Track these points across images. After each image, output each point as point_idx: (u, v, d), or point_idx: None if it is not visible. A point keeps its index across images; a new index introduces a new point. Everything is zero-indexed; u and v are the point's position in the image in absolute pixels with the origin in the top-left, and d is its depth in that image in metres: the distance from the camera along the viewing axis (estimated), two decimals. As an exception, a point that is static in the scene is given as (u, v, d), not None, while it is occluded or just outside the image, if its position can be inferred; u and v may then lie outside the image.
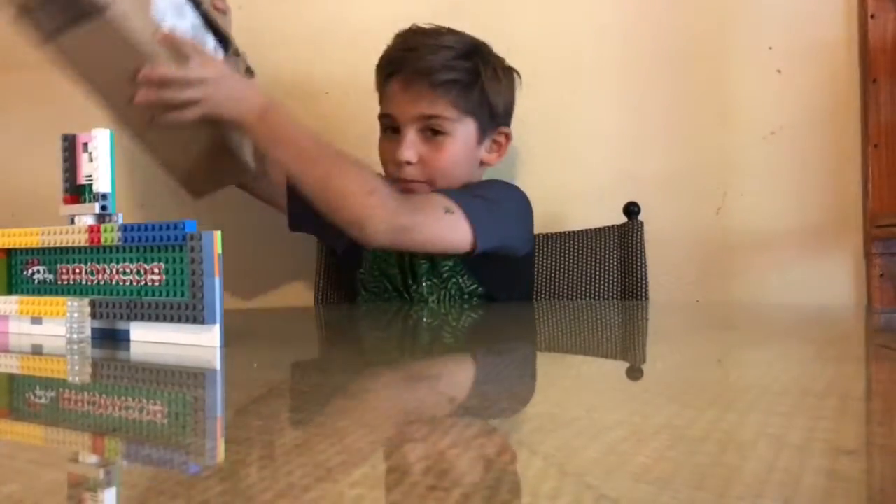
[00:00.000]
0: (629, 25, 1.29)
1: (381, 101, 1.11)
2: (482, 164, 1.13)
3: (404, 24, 1.28)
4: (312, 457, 0.27)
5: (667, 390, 0.42)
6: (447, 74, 1.05)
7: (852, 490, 0.24)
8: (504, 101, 1.12)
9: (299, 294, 1.31)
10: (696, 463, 0.26)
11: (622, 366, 0.47)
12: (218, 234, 0.58)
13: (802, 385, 0.43)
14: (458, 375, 0.45)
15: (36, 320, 0.67)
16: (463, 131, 1.07)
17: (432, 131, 1.06)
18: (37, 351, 0.60)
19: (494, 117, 1.11)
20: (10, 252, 0.71)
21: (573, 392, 0.42)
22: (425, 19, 1.22)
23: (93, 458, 0.29)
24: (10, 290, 0.71)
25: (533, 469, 0.26)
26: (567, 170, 1.28)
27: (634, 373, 0.46)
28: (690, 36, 1.28)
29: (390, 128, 1.08)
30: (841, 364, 0.48)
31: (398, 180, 1.05)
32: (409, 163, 1.04)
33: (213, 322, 0.57)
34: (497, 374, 0.45)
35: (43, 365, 0.55)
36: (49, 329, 0.66)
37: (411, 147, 1.05)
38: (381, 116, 1.10)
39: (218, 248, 0.58)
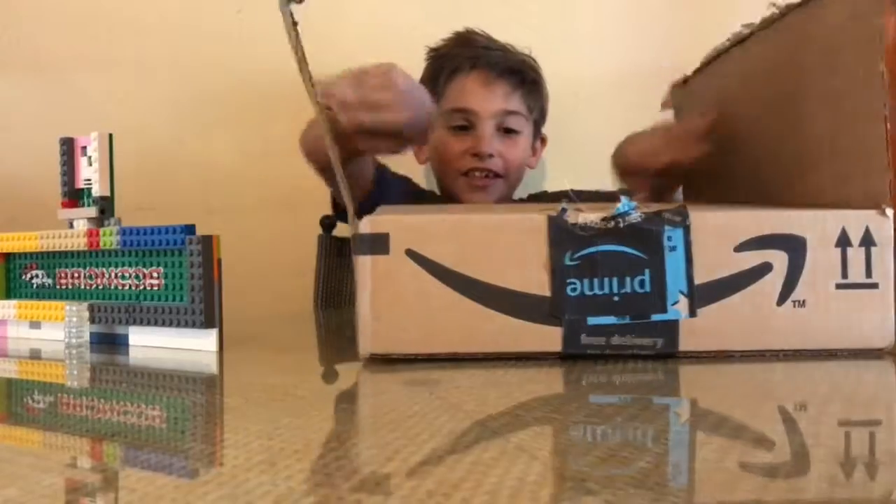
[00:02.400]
0: (629, 31, 1.29)
1: (450, 97, 1.10)
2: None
3: (403, 28, 1.29)
4: (312, 462, 0.27)
5: (666, 394, 0.42)
6: (527, 74, 1.10)
7: (855, 496, 0.24)
8: (546, 106, 1.17)
9: (298, 298, 1.30)
10: (696, 468, 0.26)
11: (623, 369, 0.47)
12: (217, 238, 0.58)
13: (805, 391, 0.43)
14: (458, 380, 0.44)
15: (34, 324, 0.67)
16: (527, 131, 1.12)
17: (504, 129, 1.09)
18: (35, 355, 0.60)
19: (542, 121, 1.16)
20: (8, 256, 0.71)
21: (574, 396, 0.42)
22: (425, 23, 1.22)
23: (91, 463, 0.29)
24: (9, 294, 0.71)
25: (533, 474, 0.25)
26: (568, 175, 1.28)
27: (634, 376, 0.46)
28: (691, 39, 1.27)
29: (458, 125, 1.09)
30: (844, 370, 0.48)
31: (472, 173, 1.07)
32: (491, 155, 1.06)
33: (212, 326, 0.57)
34: (496, 379, 0.45)
35: (41, 369, 0.55)
36: (48, 333, 0.66)
37: (493, 141, 1.07)
38: (452, 111, 1.09)
39: (217, 253, 0.58)
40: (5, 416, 0.39)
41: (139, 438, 0.32)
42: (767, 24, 0.66)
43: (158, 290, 0.61)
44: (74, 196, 0.66)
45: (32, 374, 0.53)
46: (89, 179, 0.65)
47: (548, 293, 0.50)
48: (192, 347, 0.58)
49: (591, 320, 0.50)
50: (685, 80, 0.91)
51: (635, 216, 0.50)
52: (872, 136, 0.50)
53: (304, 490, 0.24)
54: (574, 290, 0.50)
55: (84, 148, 0.66)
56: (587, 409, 0.37)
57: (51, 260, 0.68)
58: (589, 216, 0.50)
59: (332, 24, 1.31)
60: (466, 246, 0.50)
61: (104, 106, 1.34)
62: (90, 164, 0.65)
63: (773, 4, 0.64)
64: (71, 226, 0.66)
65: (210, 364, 0.54)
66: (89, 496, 0.25)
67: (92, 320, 0.63)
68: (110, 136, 0.65)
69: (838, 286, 0.50)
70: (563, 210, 0.50)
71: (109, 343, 0.63)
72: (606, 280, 0.50)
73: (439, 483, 0.25)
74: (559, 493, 0.24)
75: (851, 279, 0.50)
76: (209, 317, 0.57)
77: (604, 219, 0.50)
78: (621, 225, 0.50)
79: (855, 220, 0.50)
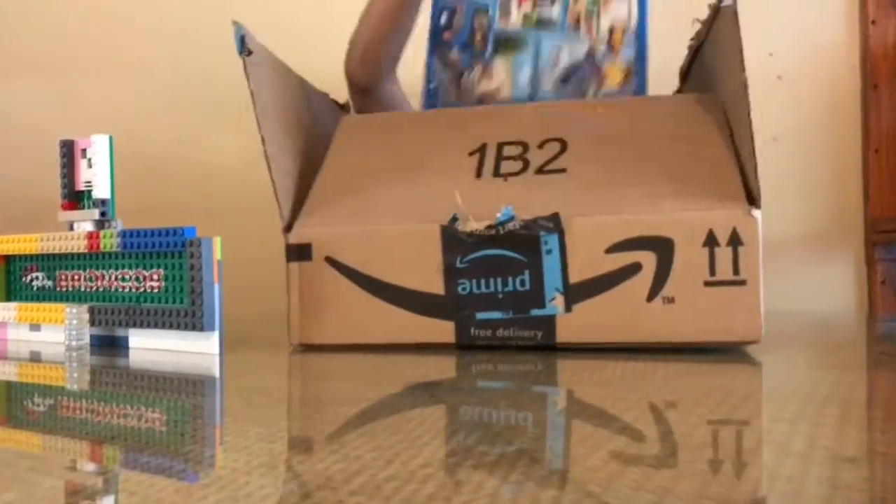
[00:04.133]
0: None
1: None
2: None
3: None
4: (312, 465, 0.27)
5: (668, 397, 0.42)
6: None
7: (854, 498, 0.24)
8: None
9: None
10: (697, 470, 0.26)
11: (624, 371, 0.47)
12: (218, 241, 0.58)
13: (804, 392, 0.43)
14: (458, 382, 0.44)
15: (34, 327, 0.67)
16: None
17: None
18: (35, 358, 0.60)
19: None
20: (8, 258, 0.71)
21: (574, 399, 0.42)
22: (423, 25, 1.22)
23: (91, 466, 0.29)
24: (9, 296, 0.71)
25: (534, 477, 0.25)
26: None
27: (635, 380, 0.45)
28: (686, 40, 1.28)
29: None
30: (842, 371, 0.48)
31: None
32: None
33: (213, 329, 0.57)
34: (497, 381, 0.45)
35: (41, 372, 0.54)
36: (48, 336, 0.66)
37: None
38: None
39: (217, 255, 0.58)
40: (5, 419, 0.39)
41: (139, 441, 0.32)
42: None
43: (159, 292, 0.61)
44: (75, 198, 0.66)
45: (32, 377, 0.53)
46: (89, 182, 0.65)
47: (442, 292, 0.57)
48: (192, 350, 0.58)
49: (480, 315, 0.57)
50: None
51: (514, 224, 0.56)
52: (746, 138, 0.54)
53: (304, 493, 0.24)
54: (464, 289, 0.57)
55: (84, 150, 0.66)
56: (587, 411, 0.37)
57: (51, 262, 0.68)
58: (475, 225, 0.57)
59: (333, 24, 1.31)
60: (374, 252, 0.59)
61: (104, 108, 1.34)
62: (90, 167, 0.65)
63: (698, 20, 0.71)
64: (71, 228, 0.66)
65: (210, 366, 0.54)
66: (89, 499, 0.25)
67: (92, 322, 0.63)
68: (110, 138, 0.65)
69: (707, 283, 0.53)
70: (455, 219, 0.57)
71: (109, 345, 0.63)
72: (492, 280, 0.57)
73: (440, 486, 0.25)
74: (560, 495, 0.24)
75: (719, 276, 0.53)
76: (209, 319, 0.57)
77: (488, 227, 0.56)
78: (502, 232, 0.56)
79: (722, 222, 0.53)
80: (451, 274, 0.57)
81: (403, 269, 0.58)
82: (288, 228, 0.61)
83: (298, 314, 0.60)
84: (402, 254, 0.58)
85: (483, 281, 0.57)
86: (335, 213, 0.63)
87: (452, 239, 0.57)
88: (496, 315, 0.56)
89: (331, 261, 0.59)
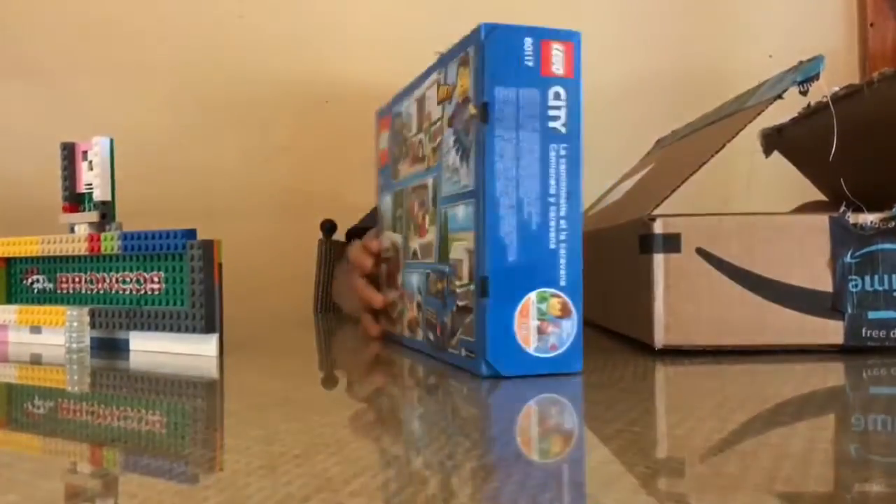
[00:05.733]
0: (628, 38, 1.30)
1: None
2: None
3: (403, 33, 1.29)
4: (312, 467, 0.27)
5: (667, 401, 0.42)
6: None
7: (852, 500, 0.24)
8: None
9: (299, 303, 1.31)
10: (696, 473, 0.26)
11: (623, 375, 0.47)
12: (218, 243, 0.58)
13: (803, 395, 0.43)
14: (459, 385, 0.44)
15: (35, 329, 0.67)
16: None
17: None
18: (36, 360, 0.60)
19: None
20: (9, 261, 0.71)
21: (572, 402, 0.42)
22: (425, 27, 1.22)
23: (91, 469, 0.29)
24: (10, 299, 0.71)
25: (532, 479, 0.25)
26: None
27: (635, 383, 0.46)
28: (690, 45, 1.28)
29: None
30: (841, 375, 0.48)
31: None
32: None
33: (213, 331, 0.57)
34: (496, 383, 0.45)
35: (42, 374, 0.55)
36: (48, 338, 0.66)
37: None
38: None
39: (218, 257, 0.58)
40: (5, 422, 0.39)
41: (139, 443, 0.32)
42: (860, 88, 0.70)
43: (159, 294, 0.61)
44: (75, 200, 0.67)
45: (33, 379, 0.53)
46: (90, 184, 0.65)
47: (830, 289, 0.54)
48: (192, 352, 0.58)
49: (872, 314, 0.54)
50: (779, 129, 0.91)
51: None
52: None
53: (304, 495, 0.24)
54: (855, 286, 0.54)
55: (85, 153, 0.66)
56: (587, 415, 0.37)
57: (52, 265, 0.68)
58: (868, 217, 0.54)
59: (336, 27, 1.31)
60: (754, 244, 0.54)
61: (105, 110, 1.34)
62: (91, 169, 0.65)
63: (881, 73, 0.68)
64: (72, 230, 0.66)
65: (210, 369, 0.54)
66: (89, 502, 0.25)
67: (93, 325, 0.63)
68: (111, 140, 0.65)
69: None
70: (844, 211, 0.54)
71: (110, 348, 0.63)
72: (886, 276, 0.54)
73: (439, 488, 0.25)
74: (558, 496, 0.24)
75: None
76: (210, 321, 0.57)
77: (883, 219, 0.54)
78: None
79: None
80: (840, 269, 0.54)
81: (787, 264, 0.54)
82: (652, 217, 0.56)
83: (664, 313, 0.54)
84: (786, 246, 0.54)
85: (876, 277, 0.54)
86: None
87: (843, 231, 0.54)
88: (891, 314, 0.53)
89: (703, 253, 0.54)
